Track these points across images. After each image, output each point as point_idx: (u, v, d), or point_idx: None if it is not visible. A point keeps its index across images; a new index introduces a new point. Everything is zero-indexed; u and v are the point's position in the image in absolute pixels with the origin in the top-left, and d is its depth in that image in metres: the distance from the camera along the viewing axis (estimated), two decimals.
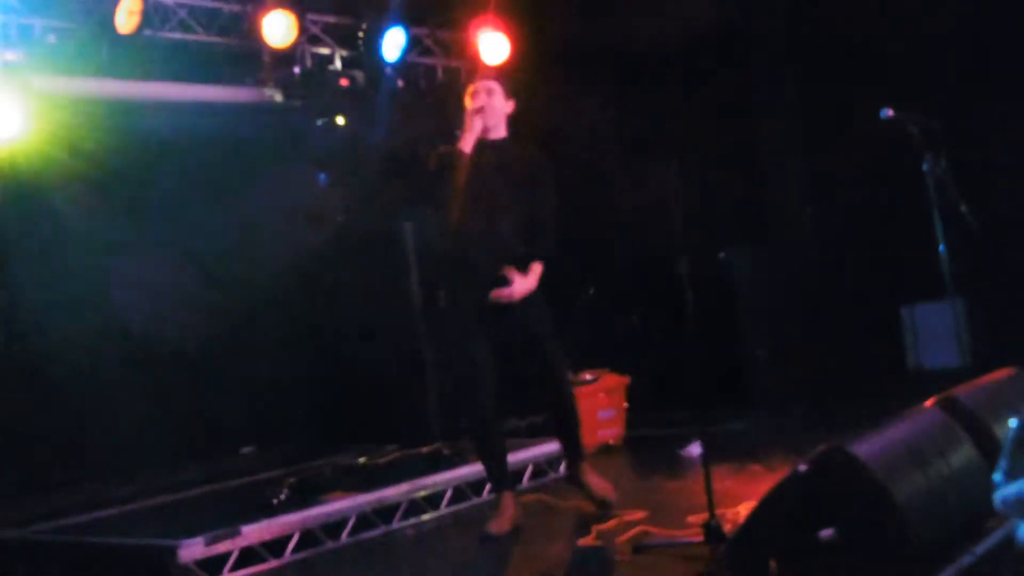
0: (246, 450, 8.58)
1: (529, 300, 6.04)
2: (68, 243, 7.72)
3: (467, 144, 5.98)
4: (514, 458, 7.19)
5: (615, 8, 9.27)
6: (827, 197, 9.42)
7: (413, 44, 8.70)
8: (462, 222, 5.97)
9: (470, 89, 6.24)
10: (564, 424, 6.24)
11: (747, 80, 9.71)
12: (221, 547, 5.56)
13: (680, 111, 9.30)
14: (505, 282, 5.95)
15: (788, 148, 9.77)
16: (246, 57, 8.16)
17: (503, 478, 6.12)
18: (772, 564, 4.16)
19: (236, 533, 5.64)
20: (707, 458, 5.13)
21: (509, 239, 6.00)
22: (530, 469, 7.34)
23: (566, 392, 6.25)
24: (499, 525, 5.90)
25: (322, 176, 8.83)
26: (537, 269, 6.07)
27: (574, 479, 6.22)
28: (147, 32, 7.32)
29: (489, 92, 6.16)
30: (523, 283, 5.97)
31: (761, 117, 9.78)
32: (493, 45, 8.74)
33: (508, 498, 6.05)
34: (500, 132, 6.21)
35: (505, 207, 6.02)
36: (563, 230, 6.10)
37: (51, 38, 7.12)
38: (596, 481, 6.16)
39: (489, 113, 6.09)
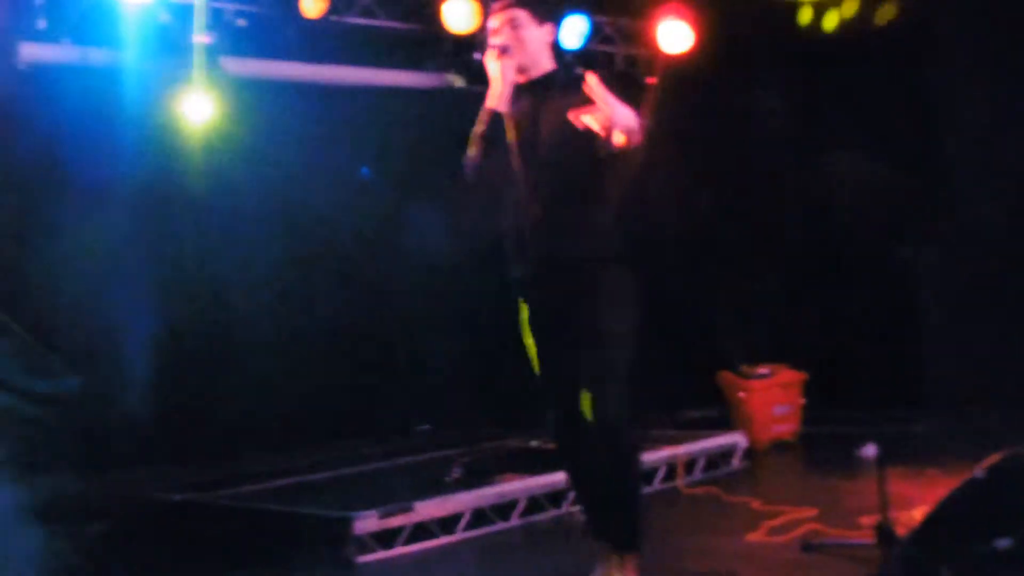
0: (422, 428, 8.72)
1: (584, 290, 4.60)
2: (250, 221, 7.93)
3: (501, 101, 4.64)
4: (686, 450, 7.20)
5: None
6: (1016, 192, 9.12)
7: (594, 32, 8.69)
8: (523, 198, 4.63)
9: (488, 24, 4.86)
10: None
11: (932, 72, 9.46)
12: (395, 521, 5.70)
13: (863, 102, 9.11)
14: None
15: (975, 141, 9.48)
16: (428, 43, 8.28)
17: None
18: (944, 571, 4.07)
19: (409, 508, 5.76)
20: (883, 459, 5.05)
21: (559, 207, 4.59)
22: (702, 462, 7.31)
23: (601, 428, 4.53)
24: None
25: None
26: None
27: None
28: (332, 17, 7.47)
29: (514, 24, 4.69)
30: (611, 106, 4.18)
31: (946, 109, 9.51)
32: (675, 34, 8.67)
33: None
34: (542, 66, 4.76)
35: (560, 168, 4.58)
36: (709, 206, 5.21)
37: (240, 22, 7.33)
38: None
39: (519, 51, 4.67)
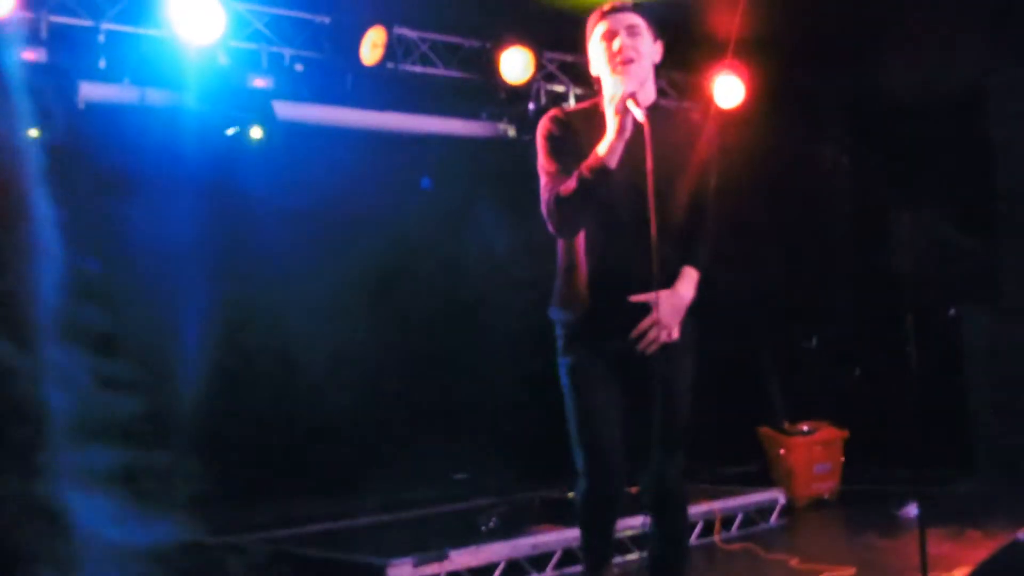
0: (459, 476, 8.72)
1: (675, 347, 4.10)
2: (302, 263, 8.01)
3: (614, 155, 3.84)
4: (724, 505, 7.17)
5: (853, 56, 9.14)
6: None
7: None
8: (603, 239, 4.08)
9: (599, 23, 4.07)
10: (656, 556, 4.33)
11: (988, 133, 9.42)
12: (429, 569, 5.69)
13: (916, 162, 9.10)
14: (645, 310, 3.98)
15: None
16: (483, 92, 8.36)
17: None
18: None
19: (444, 557, 5.76)
20: (923, 519, 5.00)
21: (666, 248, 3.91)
22: (740, 518, 7.26)
23: (661, 500, 4.24)
24: None
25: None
26: (692, 278, 4.11)
27: None
28: (389, 65, 7.55)
29: (632, 31, 4.01)
30: (672, 301, 3.99)
31: (1002, 172, 9.47)
32: (728, 88, 8.72)
33: None
34: (650, 95, 4.07)
35: (667, 203, 3.97)
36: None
37: (298, 67, 7.44)
38: None
39: (637, 68, 3.98)
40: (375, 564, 5.63)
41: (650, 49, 4.06)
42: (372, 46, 7.40)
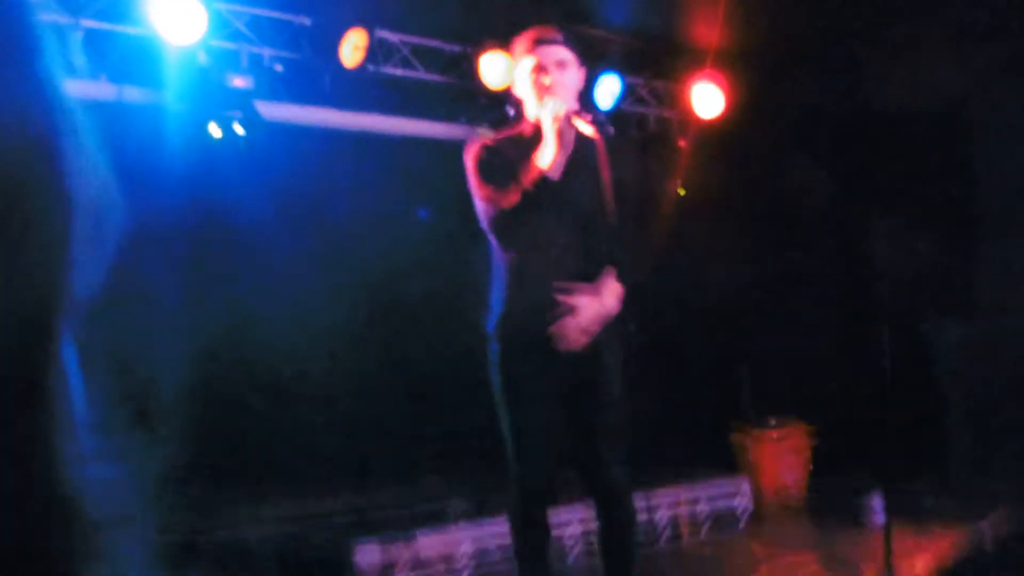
0: (432, 477, 8.71)
1: (602, 350, 4.34)
2: (282, 262, 7.99)
3: (555, 165, 4.20)
4: (691, 496, 7.19)
5: (834, 71, 9.18)
6: None
7: (627, 92, 8.77)
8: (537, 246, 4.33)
9: (528, 55, 4.34)
10: (610, 559, 4.51)
11: (969, 150, 9.48)
12: (396, 551, 5.69)
13: (895, 175, 9.14)
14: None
15: (1007, 223, 9.47)
16: (462, 96, 8.38)
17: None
18: None
19: (412, 539, 5.76)
20: (888, 516, 5.03)
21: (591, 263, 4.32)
22: (707, 513, 7.31)
23: (613, 505, 4.49)
24: None
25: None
26: (615, 289, 4.29)
27: None
28: (370, 67, 7.56)
29: (561, 65, 4.32)
30: (594, 306, 4.20)
31: (981, 186, 9.52)
32: (708, 98, 8.76)
33: None
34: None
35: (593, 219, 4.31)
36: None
37: (278, 67, 7.44)
38: None
39: (564, 95, 4.28)
40: (342, 545, 5.61)
41: (576, 79, 4.37)
42: (353, 48, 7.40)
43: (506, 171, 4.21)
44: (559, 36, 4.35)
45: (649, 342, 9.25)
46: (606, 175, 4.11)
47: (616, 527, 4.46)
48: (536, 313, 4.24)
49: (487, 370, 4.43)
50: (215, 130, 7.20)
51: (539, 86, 4.28)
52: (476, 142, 4.39)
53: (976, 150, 9.37)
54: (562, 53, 4.32)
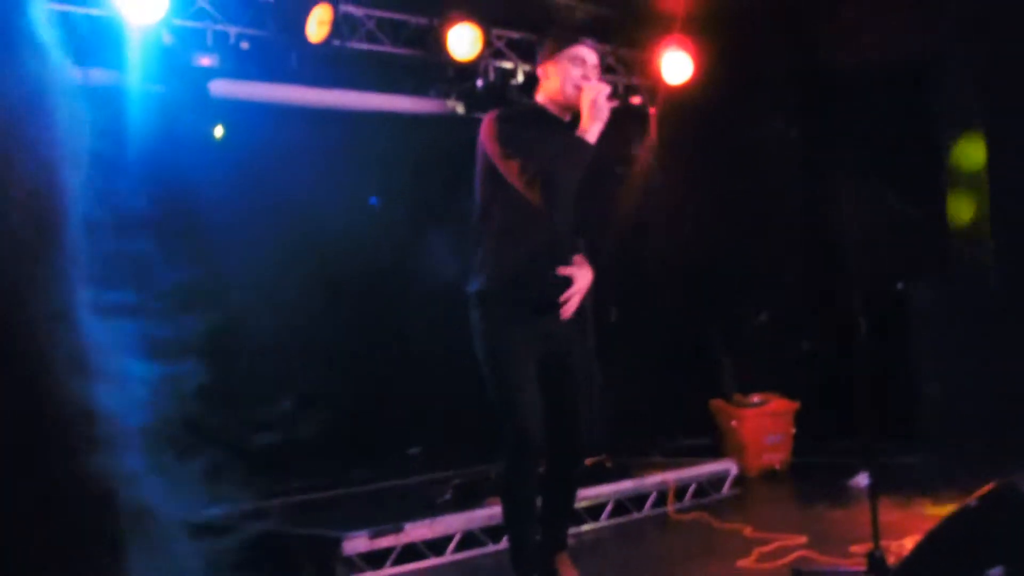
0: (413, 451, 8.72)
1: (574, 322, 4.81)
2: (251, 243, 7.95)
3: (596, 137, 4.64)
4: (677, 476, 7.22)
5: (800, 28, 9.19)
6: (1015, 228, 9.14)
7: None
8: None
9: (577, 49, 4.80)
10: (557, 504, 4.95)
11: (933, 105, 9.51)
12: (384, 542, 5.70)
13: (864, 134, 9.16)
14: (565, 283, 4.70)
15: (973, 179, 9.52)
16: (430, 69, 8.32)
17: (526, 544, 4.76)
18: None
19: (399, 529, 5.76)
20: (874, 489, 5.05)
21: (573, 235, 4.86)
22: (692, 488, 7.32)
23: (576, 464, 4.95)
24: None
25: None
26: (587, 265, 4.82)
27: (547, 569, 4.91)
28: (335, 42, 7.49)
29: (597, 70, 4.88)
30: (586, 275, 4.74)
31: (946, 144, 9.56)
32: (676, 65, 8.73)
33: None
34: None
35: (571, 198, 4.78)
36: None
37: (244, 45, 7.36)
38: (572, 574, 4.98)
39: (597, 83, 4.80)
40: (330, 537, 5.62)
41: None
42: (318, 23, 7.32)
43: (525, 141, 4.62)
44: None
45: (626, 320, 9.30)
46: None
47: (572, 484, 4.97)
48: (535, 278, 4.65)
49: (474, 328, 4.71)
50: (219, 131, 7.17)
51: (578, 78, 4.71)
52: (497, 113, 4.76)
53: (942, 106, 9.40)
54: (597, 59, 4.84)
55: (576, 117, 4.72)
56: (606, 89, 4.66)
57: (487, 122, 4.70)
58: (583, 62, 4.76)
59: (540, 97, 4.88)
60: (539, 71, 4.87)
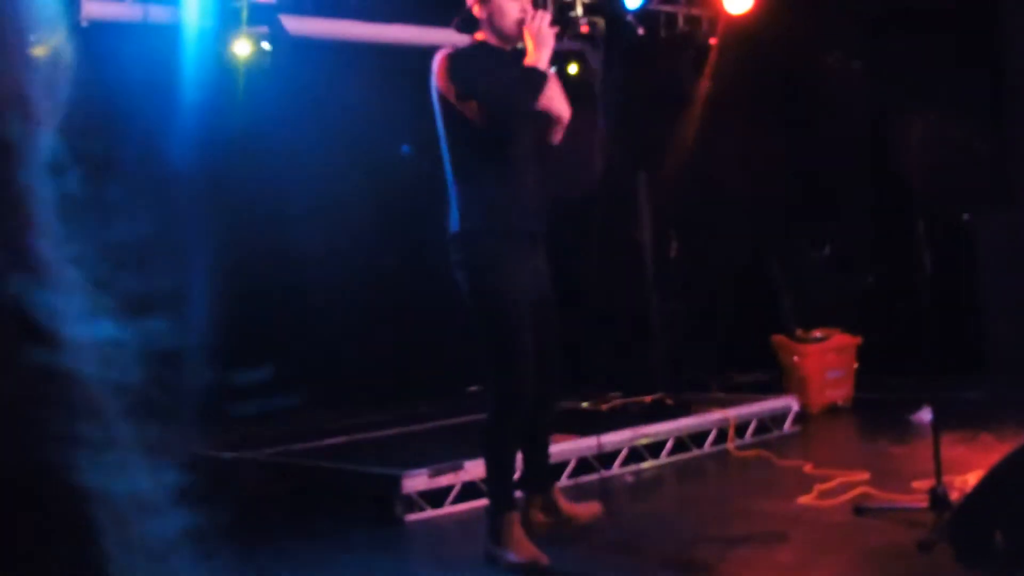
0: (474, 388, 8.74)
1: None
2: (307, 180, 7.96)
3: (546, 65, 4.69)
4: (738, 413, 7.19)
5: None
6: None
7: None
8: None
9: None
10: (534, 442, 5.07)
11: (1001, 35, 9.30)
12: (444, 480, 5.73)
13: (929, 65, 8.99)
14: None
15: None
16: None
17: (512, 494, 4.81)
18: (998, 536, 4.03)
19: (459, 467, 5.78)
20: (937, 424, 5.00)
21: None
22: (753, 425, 7.28)
23: (552, 410, 5.12)
24: (518, 551, 4.64)
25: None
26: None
27: (547, 503, 5.07)
28: None
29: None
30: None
31: (1014, 74, 9.35)
32: None
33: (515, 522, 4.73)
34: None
35: None
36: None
37: None
38: (568, 504, 5.14)
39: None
40: (391, 475, 5.66)
41: None
42: None
43: (495, 76, 4.59)
44: None
45: (686, 254, 9.23)
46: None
47: (548, 424, 5.09)
48: (520, 211, 4.72)
49: (464, 266, 4.68)
50: (242, 47, 7.15)
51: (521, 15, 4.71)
52: (449, 51, 4.68)
53: (1007, 39, 9.20)
54: None
55: (518, 49, 4.77)
56: (547, 16, 4.67)
57: (439, 65, 4.66)
58: None
59: (481, 35, 4.84)
60: (474, 9, 4.81)
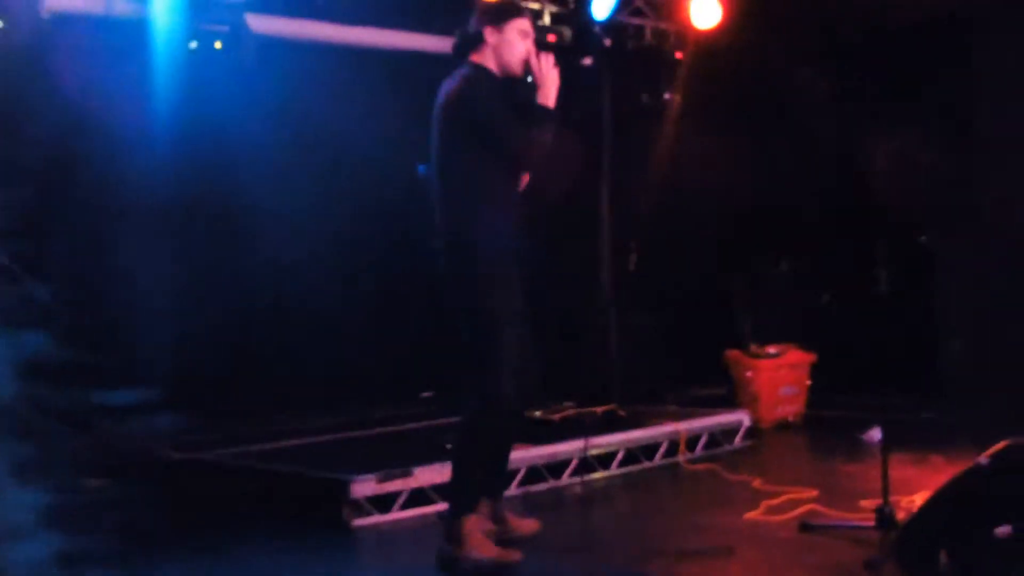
0: (426, 395, 8.72)
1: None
2: (273, 179, 7.92)
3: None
4: (689, 426, 7.20)
5: None
6: None
7: (623, 3, 8.61)
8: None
9: (522, 23, 5.03)
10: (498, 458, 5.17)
11: (969, 62, 9.36)
12: (393, 485, 5.69)
13: (895, 86, 9.04)
14: None
15: (1008, 136, 9.37)
16: (459, 9, 8.20)
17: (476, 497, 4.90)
18: (943, 556, 4.05)
19: (408, 473, 5.76)
20: (886, 444, 5.03)
21: None
22: (704, 439, 7.30)
23: (523, 410, 5.50)
24: (486, 550, 4.72)
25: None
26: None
27: (494, 511, 5.10)
28: None
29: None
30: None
31: (983, 100, 9.40)
32: (705, 9, 8.62)
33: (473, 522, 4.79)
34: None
35: None
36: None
37: None
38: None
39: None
40: (340, 479, 5.63)
41: None
42: None
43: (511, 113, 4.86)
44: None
45: (644, 267, 9.23)
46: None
47: (515, 431, 5.22)
48: (515, 232, 4.90)
49: (470, 279, 4.81)
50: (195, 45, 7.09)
51: (525, 52, 4.94)
52: (471, 77, 4.86)
53: (977, 59, 9.25)
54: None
55: (510, 78, 4.97)
56: (551, 59, 4.93)
57: (468, 89, 4.82)
58: (527, 35, 4.98)
59: (478, 57, 4.96)
60: (486, 33, 4.93)
